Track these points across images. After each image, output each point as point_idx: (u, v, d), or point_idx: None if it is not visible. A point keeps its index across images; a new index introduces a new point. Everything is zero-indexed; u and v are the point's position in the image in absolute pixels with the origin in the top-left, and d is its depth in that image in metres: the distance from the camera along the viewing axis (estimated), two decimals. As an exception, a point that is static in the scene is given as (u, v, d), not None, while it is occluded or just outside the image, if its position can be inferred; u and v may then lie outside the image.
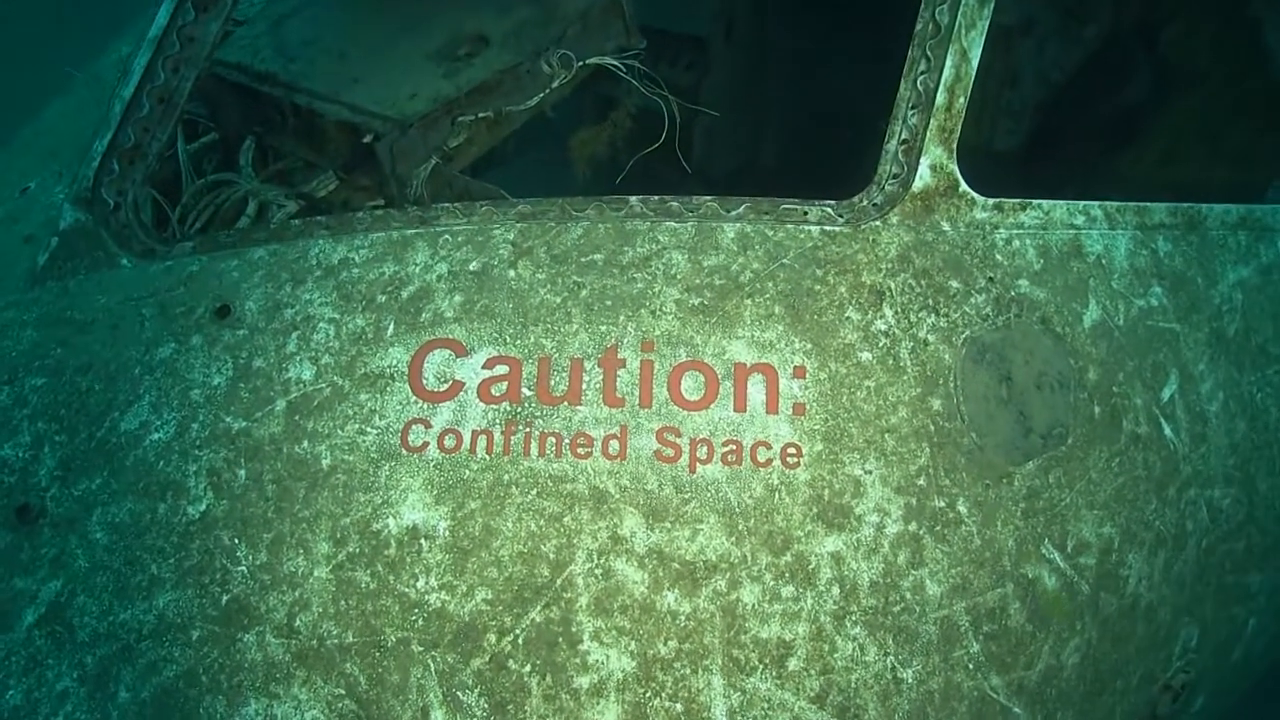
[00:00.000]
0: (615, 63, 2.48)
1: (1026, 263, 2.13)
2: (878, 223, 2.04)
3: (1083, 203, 2.23)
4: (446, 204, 2.16)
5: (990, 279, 2.08)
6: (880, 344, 1.97)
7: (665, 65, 5.56)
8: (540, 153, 3.26)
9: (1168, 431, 2.21)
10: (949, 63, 2.08)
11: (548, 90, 2.45)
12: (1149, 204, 2.33)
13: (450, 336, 1.96)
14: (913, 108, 2.09)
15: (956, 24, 2.09)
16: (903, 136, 2.09)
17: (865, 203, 2.07)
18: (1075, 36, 4.23)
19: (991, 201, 2.13)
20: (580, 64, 2.47)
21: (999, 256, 2.11)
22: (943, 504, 1.94)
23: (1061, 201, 2.20)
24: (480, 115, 2.38)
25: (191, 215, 2.55)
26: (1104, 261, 2.22)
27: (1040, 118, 4.44)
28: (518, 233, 2.06)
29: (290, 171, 2.71)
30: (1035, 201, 2.17)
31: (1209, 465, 2.27)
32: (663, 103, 2.55)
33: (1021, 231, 2.14)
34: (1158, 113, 4.25)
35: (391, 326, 1.98)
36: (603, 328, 1.94)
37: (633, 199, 2.10)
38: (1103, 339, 2.17)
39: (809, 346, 1.94)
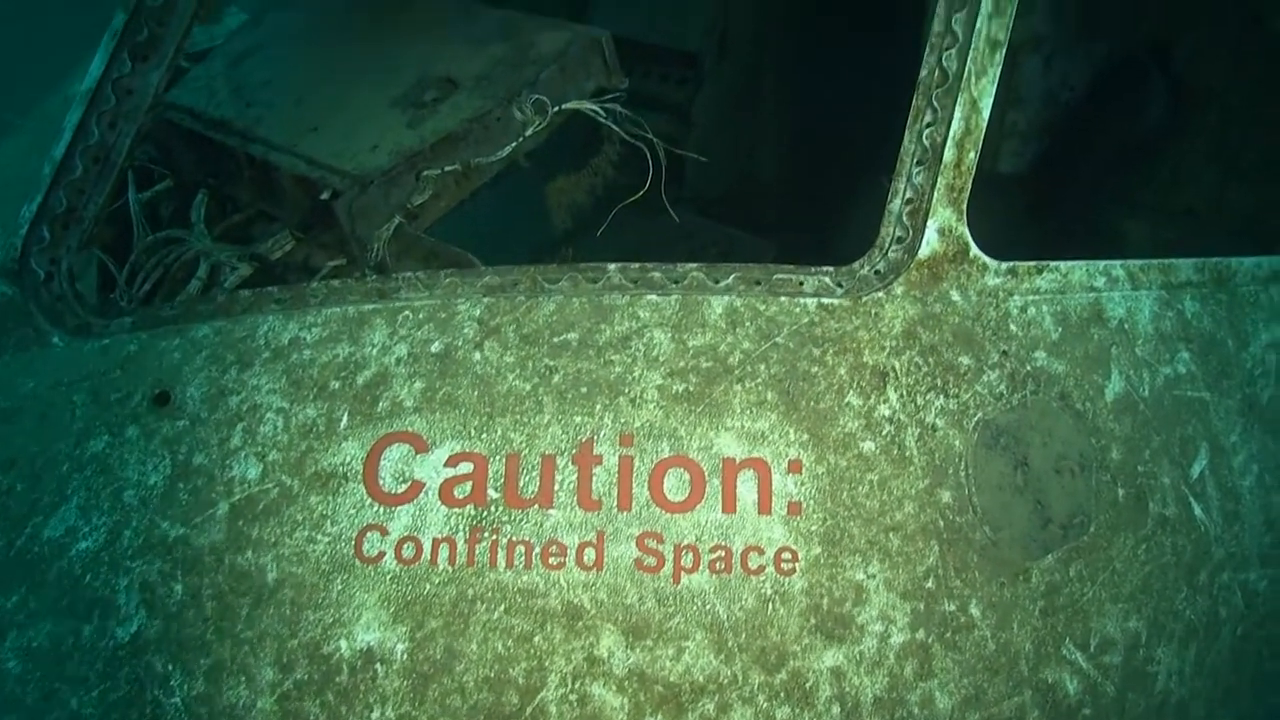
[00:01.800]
0: (594, 107, 2.29)
1: (1043, 332, 1.94)
2: (880, 294, 1.85)
3: (1103, 262, 2.05)
4: (408, 274, 1.97)
5: (1004, 352, 1.90)
6: (884, 432, 1.78)
7: (657, 81, 5.38)
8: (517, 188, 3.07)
9: (1198, 512, 2.02)
10: (958, 114, 1.90)
11: (521, 138, 2.26)
12: (1174, 261, 2.15)
13: (409, 429, 1.77)
14: (918, 163, 1.91)
15: (966, 71, 1.90)
16: (907, 195, 1.90)
17: (866, 270, 1.88)
18: (1085, 53, 4.03)
19: (1005, 266, 1.94)
20: (556, 109, 2.28)
21: (1013, 326, 1.92)
22: (953, 607, 1.76)
23: (1080, 262, 2.01)
24: (447, 168, 2.19)
25: (140, 275, 2.36)
26: (1127, 326, 2.03)
27: (1048, 140, 4.25)
28: (484, 309, 1.87)
29: (250, 222, 2.52)
30: (1052, 264, 1.98)
31: (1243, 546, 2.09)
32: (646, 147, 2.36)
33: (1038, 298, 1.96)
34: (1171, 132, 4.06)
35: (345, 417, 1.80)
36: (577, 419, 1.76)
37: (611, 268, 1.91)
38: (1126, 413, 1.98)
39: (805, 437, 1.75)
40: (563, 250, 3.63)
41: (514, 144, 2.26)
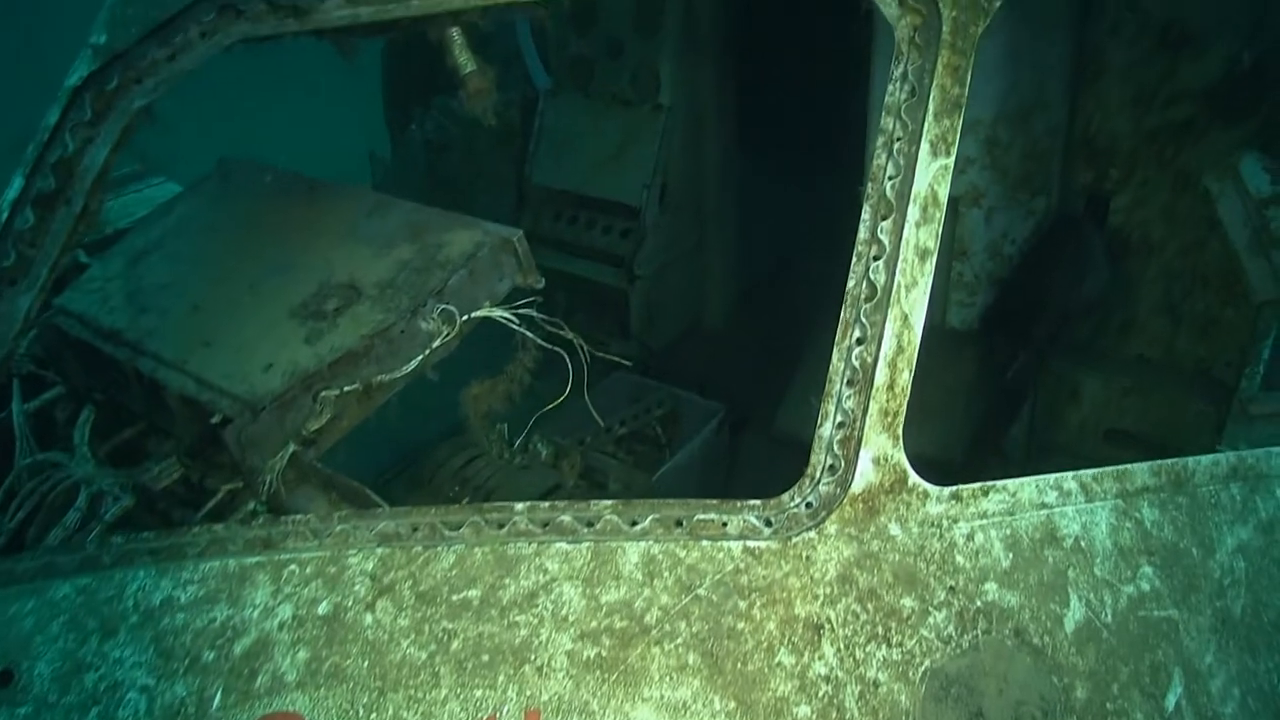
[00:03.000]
0: (506, 315, 2.15)
1: (993, 560, 1.78)
2: (812, 533, 1.69)
3: (1053, 476, 1.90)
4: (297, 518, 1.79)
5: (951, 589, 1.73)
6: (821, 693, 1.59)
7: (600, 234, 5.33)
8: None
9: (1177, 749, 1.84)
10: (889, 331, 1.77)
11: (428, 351, 2.11)
12: (1129, 466, 2.00)
13: (291, 710, 1.56)
14: (849, 384, 1.77)
15: (895, 284, 1.78)
16: (838, 420, 1.76)
17: (797, 505, 1.72)
18: (1024, 208, 4.00)
19: (948, 491, 1.78)
20: (465, 319, 2.13)
21: (960, 558, 1.76)
22: None
23: (1029, 479, 1.86)
24: (347, 389, 2.03)
25: (15, 503, 2.16)
26: (1084, 544, 1.88)
27: (995, 291, 4.19)
28: (378, 561, 1.68)
29: (143, 436, 2.34)
30: (999, 484, 1.83)
31: (1229, 783, 1.89)
32: (565, 351, 2.22)
33: (985, 522, 1.80)
34: (1117, 284, 4.02)
35: (219, 696, 1.58)
36: (478, 692, 1.56)
37: (518, 509, 1.74)
38: (1090, 644, 1.81)
39: (732, 705, 1.56)
40: (497, 427, 3.47)
41: (420, 357, 2.11)
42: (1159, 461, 2.05)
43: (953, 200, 4.14)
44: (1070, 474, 1.93)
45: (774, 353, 5.50)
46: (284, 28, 2.03)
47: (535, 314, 2.18)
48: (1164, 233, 3.93)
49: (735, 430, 4.77)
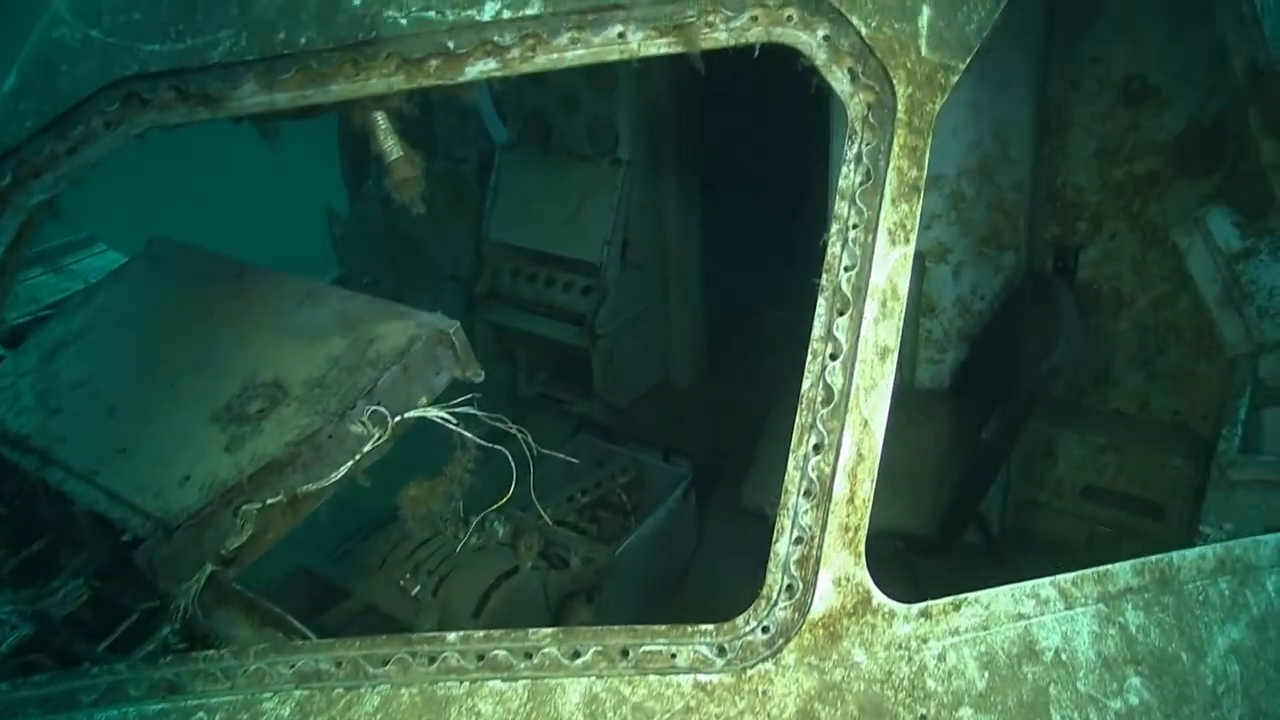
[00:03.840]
0: (443, 415, 2.00)
1: (967, 683, 1.64)
2: (769, 664, 1.54)
3: (1029, 584, 1.77)
4: (208, 655, 1.63)
5: (923, 717, 1.59)
6: None
7: (560, 291, 5.20)
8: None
9: None
10: (848, 438, 1.63)
11: (358, 456, 1.96)
12: (1109, 568, 1.87)
13: None
14: (805, 496, 1.63)
15: (854, 387, 1.66)
16: (795, 536, 1.62)
17: (752, 630, 1.58)
18: (993, 264, 3.91)
19: (916, 609, 1.65)
20: (397, 420, 1.99)
21: (931, 682, 1.62)
22: None
23: (1004, 589, 1.73)
24: (270, 501, 1.88)
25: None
26: (1065, 657, 1.74)
27: (965, 348, 4.09)
28: (295, 707, 1.53)
29: (53, 549, 2.17)
30: (970, 596, 1.69)
31: None
32: (508, 451, 2.08)
33: (958, 639, 1.66)
34: (1087, 341, 3.93)
35: None
36: None
37: (450, 640, 1.59)
38: (1076, 768, 1.67)
39: None
40: (452, 505, 3.31)
41: (350, 463, 1.96)
42: (1142, 560, 1.92)
43: (919, 256, 4.04)
44: (1048, 580, 1.80)
45: (743, 407, 5.38)
46: (196, 116, 1.90)
47: (474, 410, 2.03)
48: (1135, 286, 3.85)
49: (705, 491, 4.63)
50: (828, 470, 1.62)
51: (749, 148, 6.71)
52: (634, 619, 1.68)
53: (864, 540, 1.62)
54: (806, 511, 1.62)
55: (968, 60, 1.90)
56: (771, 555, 1.63)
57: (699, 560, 4.34)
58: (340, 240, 6.30)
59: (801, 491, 1.63)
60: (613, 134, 4.96)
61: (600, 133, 5.00)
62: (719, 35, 1.86)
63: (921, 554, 3.39)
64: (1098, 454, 3.99)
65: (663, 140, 5.11)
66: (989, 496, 4.14)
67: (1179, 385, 3.95)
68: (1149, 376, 3.98)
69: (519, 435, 2.14)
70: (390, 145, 1.97)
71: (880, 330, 1.67)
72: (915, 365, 4.22)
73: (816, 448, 1.64)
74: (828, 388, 1.65)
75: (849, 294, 1.69)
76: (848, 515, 1.61)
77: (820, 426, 1.64)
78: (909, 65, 1.81)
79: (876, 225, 1.71)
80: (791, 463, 1.66)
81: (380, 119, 1.97)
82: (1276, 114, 2.36)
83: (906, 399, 4.08)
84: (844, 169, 1.80)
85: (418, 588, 3.27)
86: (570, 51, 1.87)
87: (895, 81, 1.80)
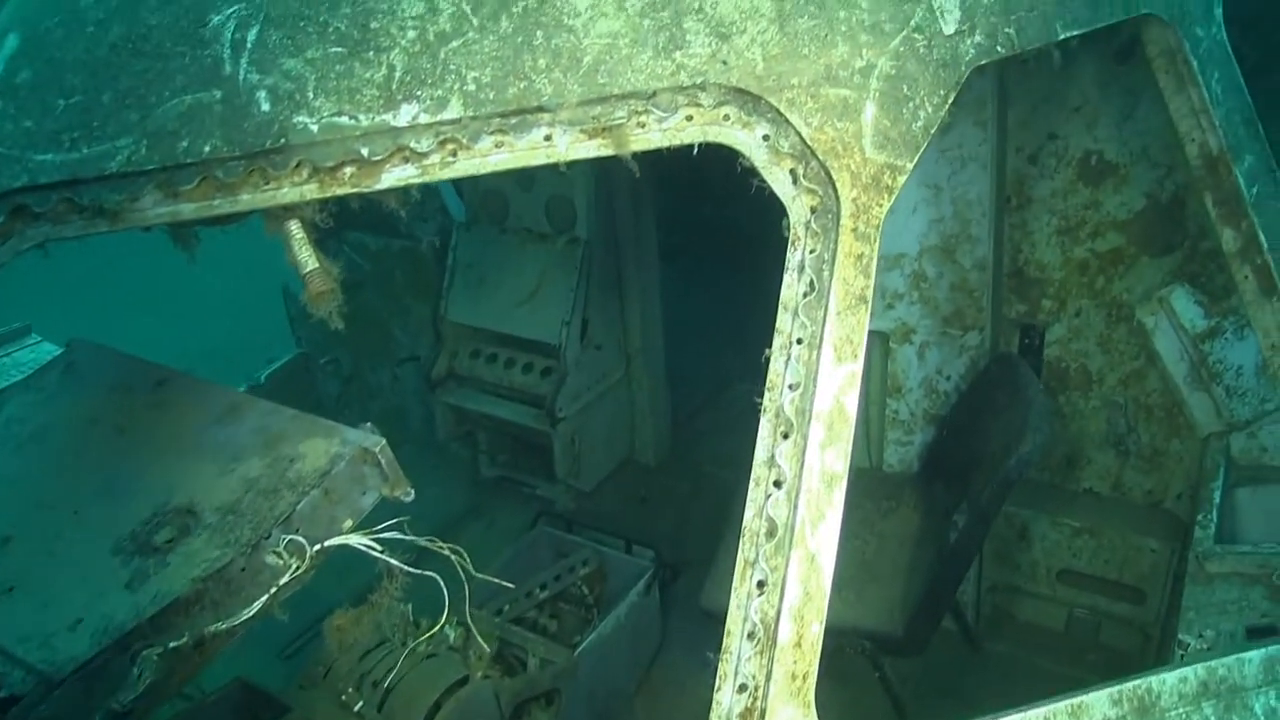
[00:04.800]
0: (366, 543, 1.85)
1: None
2: (713, 835, 1.39)
3: (996, 717, 1.64)
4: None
5: None
6: None
7: (520, 372, 5.08)
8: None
9: None
10: (794, 575, 1.50)
11: (274, 589, 1.80)
12: (1085, 698, 1.74)
13: None
14: (749, 639, 1.49)
15: (799, 519, 1.52)
16: (738, 683, 1.48)
17: (695, 795, 1.43)
18: (957, 344, 3.82)
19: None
20: (316, 549, 1.83)
21: (895, 845, 1.46)
22: None
23: (971, 732, 1.59)
24: (172, 644, 1.72)
25: None
26: (1038, 803, 1.60)
27: (933, 429, 3.98)
28: None
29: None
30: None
31: None
32: (439, 576, 1.93)
33: (922, 793, 1.51)
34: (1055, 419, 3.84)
35: None
36: None
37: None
38: None
39: None
40: (401, 609, 3.14)
41: (265, 597, 1.80)
42: (1119, 686, 1.79)
43: (883, 336, 3.95)
44: (1017, 713, 1.67)
45: (711, 485, 5.25)
46: (94, 228, 1.77)
47: (402, 535, 1.88)
48: (1103, 364, 3.77)
49: (670, 579, 4.47)
50: (772, 612, 1.49)
51: (711, 218, 6.66)
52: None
53: (813, 689, 1.48)
54: (750, 658, 1.48)
55: (915, 158, 1.80)
56: (713, 704, 1.49)
57: (663, 656, 4.16)
58: (297, 320, 6.16)
59: (744, 634, 1.49)
60: (570, 212, 4.87)
61: (558, 210, 4.91)
62: (651, 136, 1.76)
63: (891, 653, 3.23)
64: (1073, 537, 3.87)
65: (622, 216, 5.02)
66: (964, 581, 4.01)
67: (1152, 464, 3.85)
68: (1121, 456, 3.88)
69: (452, 557, 2.00)
70: (305, 257, 1.84)
71: (827, 456, 1.55)
72: (883, 447, 4.11)
73: (760, 585, 1.51)
74: (771, 520, 1.52)
75: (792, 416, 1.56)
76: (795, 661, 1.47)
77: (763, 563, 1.51)
78: (853, 167, 1.72)
79: (821, 341, 1.59)
80: (734, 601, 1.52)
81: (294, 228, 1.84)
82: (1231, 201, 2.29)
83: (874, 485, 3.96)
84: (786, 278, 1.69)
85: (360, 703, 3.08)
86: (493, 156, 1.77)
87: (838, 184, 1.70)
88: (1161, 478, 3.85)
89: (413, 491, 2.06)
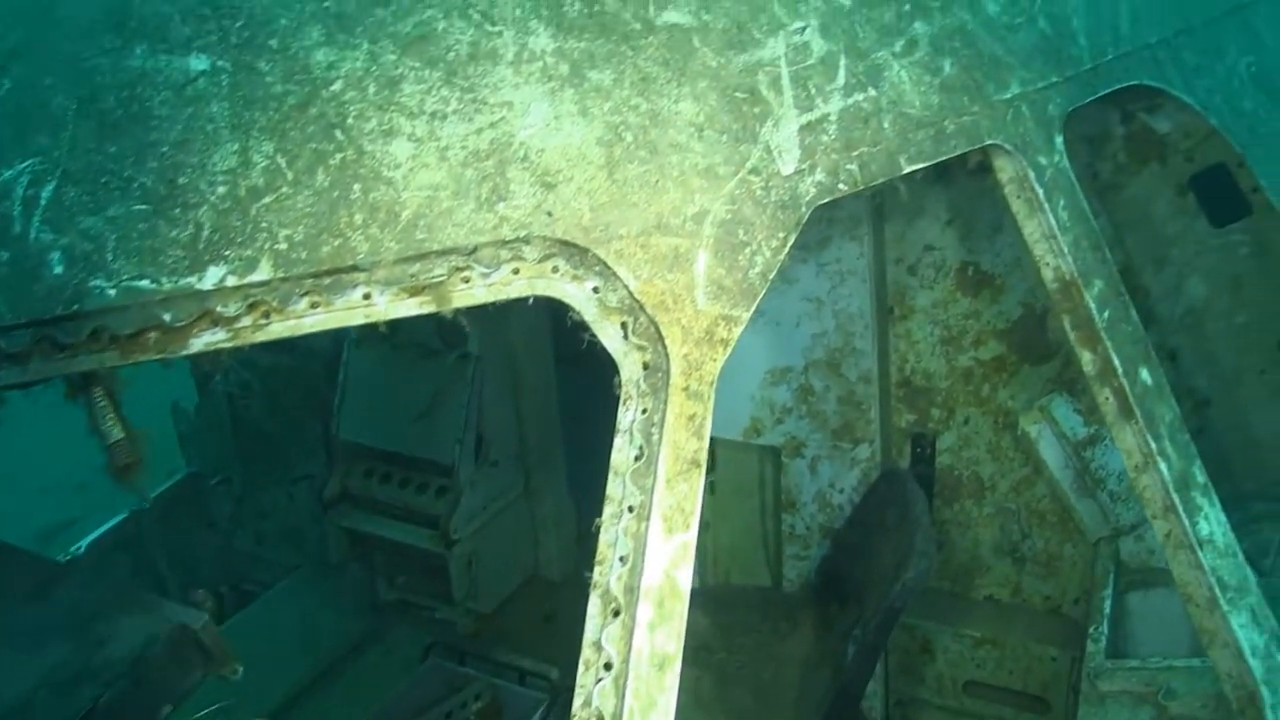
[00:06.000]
0: (180, 738, 1.70)
1: None
2: None
3: None
4: None
5: None
6: None
7: (414, 492, 4.91)
8: None
9: None
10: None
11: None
12: None
13: None
14: None
15: (628, 709, 1.41)
16: None
17: None
18: (848, 457, 3.78)
19: None
20: (117, 755, 1.67)
21: None
22: None
23: None
24: None
25: None
26: None
27: (829, 543, 3.91)
28: None
29: None
30: None
31: None
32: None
33: None
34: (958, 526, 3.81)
35: None
36: None
37: None
38: None
39: None
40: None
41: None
42: None
43: (774, 451, 3.90)
44: None
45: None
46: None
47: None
48: (994, 471, 3.75)
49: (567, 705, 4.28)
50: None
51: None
52: None
53: None
54: None
55: (754, 306, 1.75)
56: None
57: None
58: (187, 438, 5.91)
59: None
60: (461, 327, 4.77)
61: (448, 326, 4.79)
62: (476, 292, 1.68)
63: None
64: (975, 648, 3.80)
65: (515, 329, 4.94)
66: (869, 695, 3.91)
67: (1048, 570, 3.82)
68: (1017, 563, 3.84)
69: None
70: (109, 427, 1.71)
71: (658, 637, 1.45)
72: (781, 562, 4.02)
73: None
74: (599, 712, 1.41)
75: (619, 595, 1.46)
76: None
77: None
78: (684, 321, 1.65)
79: (650, 511, 1.50)
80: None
81: (98, 396, 1.71)
82: (1085, 325, 2.28)
83: (771, 605, 3.87)
84: (617, 440, 1.61)
85: None
86: (310, 317, 1.67)
87: (668, 340, 1.63)
88: (1058, 583, 3.82)
89: (240, 669, 1.91)
